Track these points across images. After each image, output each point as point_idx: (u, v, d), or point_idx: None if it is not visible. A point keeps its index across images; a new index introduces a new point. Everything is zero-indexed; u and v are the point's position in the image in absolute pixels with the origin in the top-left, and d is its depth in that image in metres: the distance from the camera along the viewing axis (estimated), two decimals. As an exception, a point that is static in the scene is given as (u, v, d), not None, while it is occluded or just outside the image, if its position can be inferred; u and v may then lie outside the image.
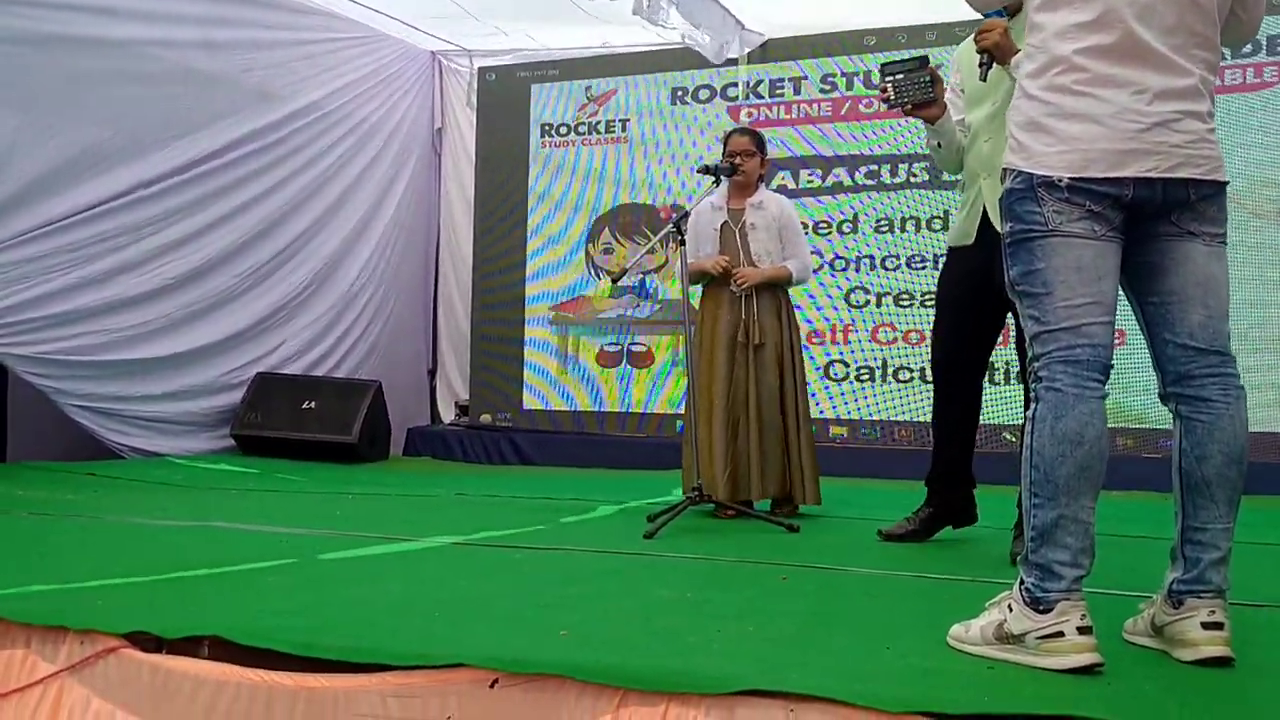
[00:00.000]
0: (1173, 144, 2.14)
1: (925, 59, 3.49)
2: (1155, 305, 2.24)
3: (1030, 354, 2.24)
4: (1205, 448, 2.18)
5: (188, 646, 2.25)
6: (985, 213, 3.58)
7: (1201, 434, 2.19)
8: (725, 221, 4.73)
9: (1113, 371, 2.21)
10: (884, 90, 3.48)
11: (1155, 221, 2.19)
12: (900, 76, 3.44)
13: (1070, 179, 2.14)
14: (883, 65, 3.53)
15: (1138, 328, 2.27)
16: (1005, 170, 2.25)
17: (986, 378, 4.00)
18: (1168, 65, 2.15)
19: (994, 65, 3.23)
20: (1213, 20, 2.21)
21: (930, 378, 3.97)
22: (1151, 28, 2.14)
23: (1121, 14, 2.14)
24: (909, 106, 3.49)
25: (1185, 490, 2.21)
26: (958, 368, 3.81)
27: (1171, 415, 2.27)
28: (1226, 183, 2.22)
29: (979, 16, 3.33)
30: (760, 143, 4.80)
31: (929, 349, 3.99)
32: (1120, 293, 2.24)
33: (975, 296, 3.65)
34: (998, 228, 3.39)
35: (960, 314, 3.76)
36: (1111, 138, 2.13)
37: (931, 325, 3.99)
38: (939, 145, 3.67)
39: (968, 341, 3.77)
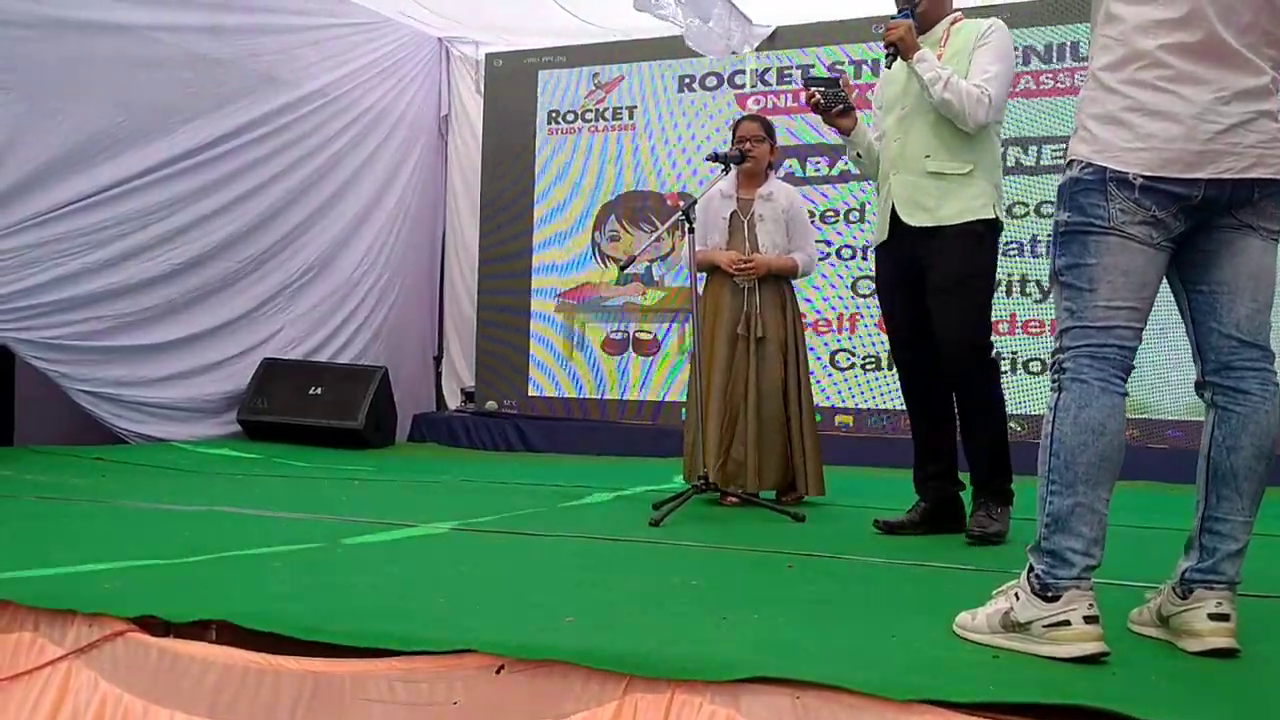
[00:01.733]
0: (1247, 144, 2.12)
1: (838, 80, 3.99)
2: (1204, 294, 2.23)
3: (1057, 345, 2.24)
4: (1238, 439, 2.18)
5: (195, 630, 2.26)
6: (895, 209, 3.73)
7: (1235, 425, 2.19)
8: (734, 211, 4.72)
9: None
10: (813, 96, 3.86)
11: (1215, 215, 2.18)
12: (823, 89, 3.87)
13: (1144, 178, 2.13)
14: (806, 79, 4.05)
15: (1152, 319, 2.26)
16: (1072, 160, 2.23)
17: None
18: (1244, 65, 2.13)
19: (898, 58, 3.66)
20: None
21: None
22: (1230, 26, 2.12)
23: (1206, 12, 2.11)
24: (838, 109, 3.85)
25: (1211, 480, 2.20)
26: (919, 369, 3.85)
27: (1205, 405, 2.27)
28: None
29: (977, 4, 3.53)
30: (769, 130, 4.79)
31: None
32: (1158, 275, 2.22)
33: (911, 295, 3.77)
34: (906, 221, 3.67)
35: (905, 315, 3.84)
36: (1190, 138, 2.11)
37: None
38: (859, 155, 3.96)
39: (922, 340, 3.80)
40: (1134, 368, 2.22)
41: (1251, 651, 2.14)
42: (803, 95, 3.95)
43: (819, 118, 3.96)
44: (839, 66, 7.32)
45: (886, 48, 3.66)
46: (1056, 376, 2.21)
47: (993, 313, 3.84)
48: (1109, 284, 2.16)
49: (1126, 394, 2.19)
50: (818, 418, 4.82)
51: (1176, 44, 2.12)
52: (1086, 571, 2.12)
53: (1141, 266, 2.16)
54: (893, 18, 3.69)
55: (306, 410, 7.15)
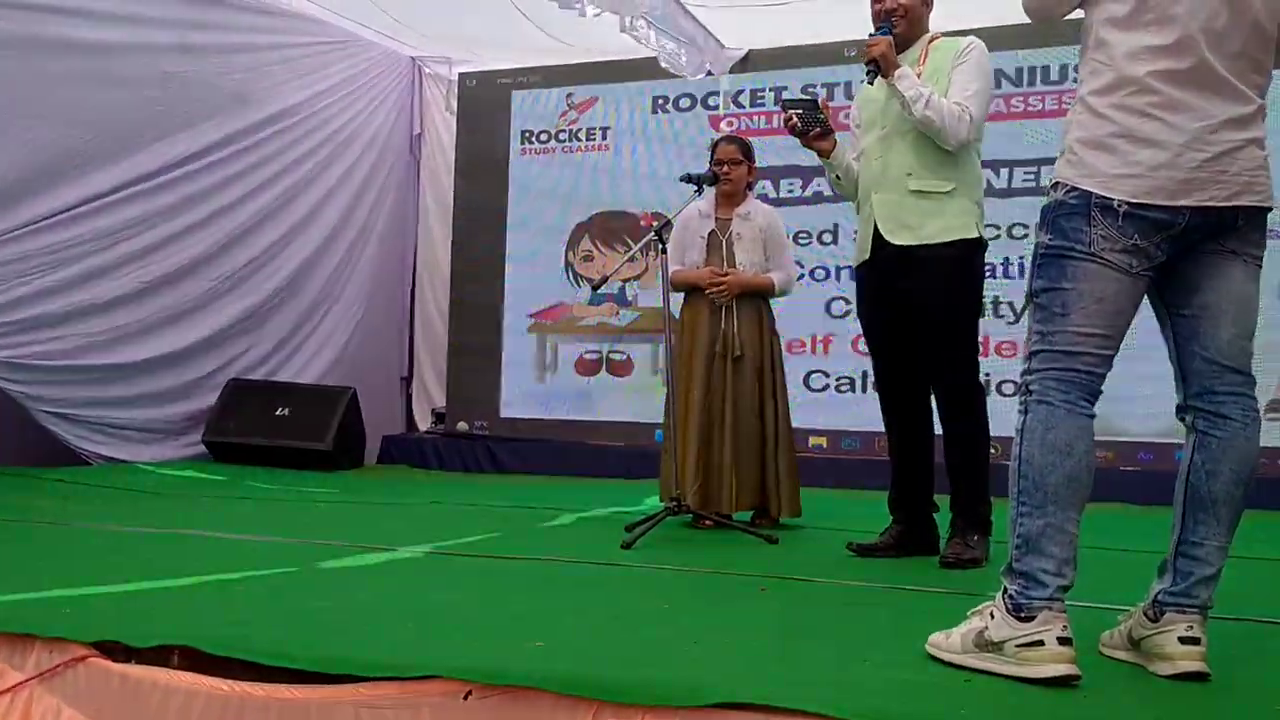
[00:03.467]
0: (1233, 172, 2.13)
1: (816, 101, 3.91)
2: (1187, 318, 2.24)
3: (1025, 366, 2.24)
4: (1217, 464, 2.19)
5: (157, 656, 2.23)
6: (877, 227, 3.73)
7: (1216, 450, 2.20)
8: (713, 230, 4.72)
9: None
10: (790, 119, 3.82)
11: (1199, 241, 2.19)
12: (801, 111, 3.83)
13: (1129, 205, 2.13)
14: (784, 101, 4.01)
15: (1126, 341, 2.27)
16: (1057, 183, 2.23)
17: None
18: (1232, 93, 2.14)
19: (878, 75, 3.64)
20: (1271, 47, 2.20)
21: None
22: (1220, 54, 2.13)
23: (1197, 40, 2.12)
24: (816, 131, 3.81)
25: (1189, 504, 2.21)
26: (900, 389, 3.85)
27: (1186, 429, 2.28)
28: (1272, 208, 2.22)
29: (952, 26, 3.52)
30: (747, 151, 4.80)
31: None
32: (1134, 304, 2.23)
33: (892, 314, 3.77)
34: (889, 239, 3.67)
35: (884, 334, 3.85)
36: (1176, 166, 2.12)
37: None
38: (838, 178, 3.95)
39: (903, 359, 3.81)
40: (1102, 392, 2.22)
41: (1222, 676, 2.14)
42: (781, 118, 3.95)
43: (794, 139, 3.94)
44: (810, 89, 7.35)
45: (867, 64, 3.66)
46: (1024, 398, 2.22)
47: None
48: (1082, 310, 2.16)
49: (1094, 415, 2.20)
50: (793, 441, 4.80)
51: (1166, 71, 2.13)
52: (1059, 592, 2.11)
53: (1116, 294, 2.16)
54: (871, 35, 3.68)
55: (273, 431, 7.07)
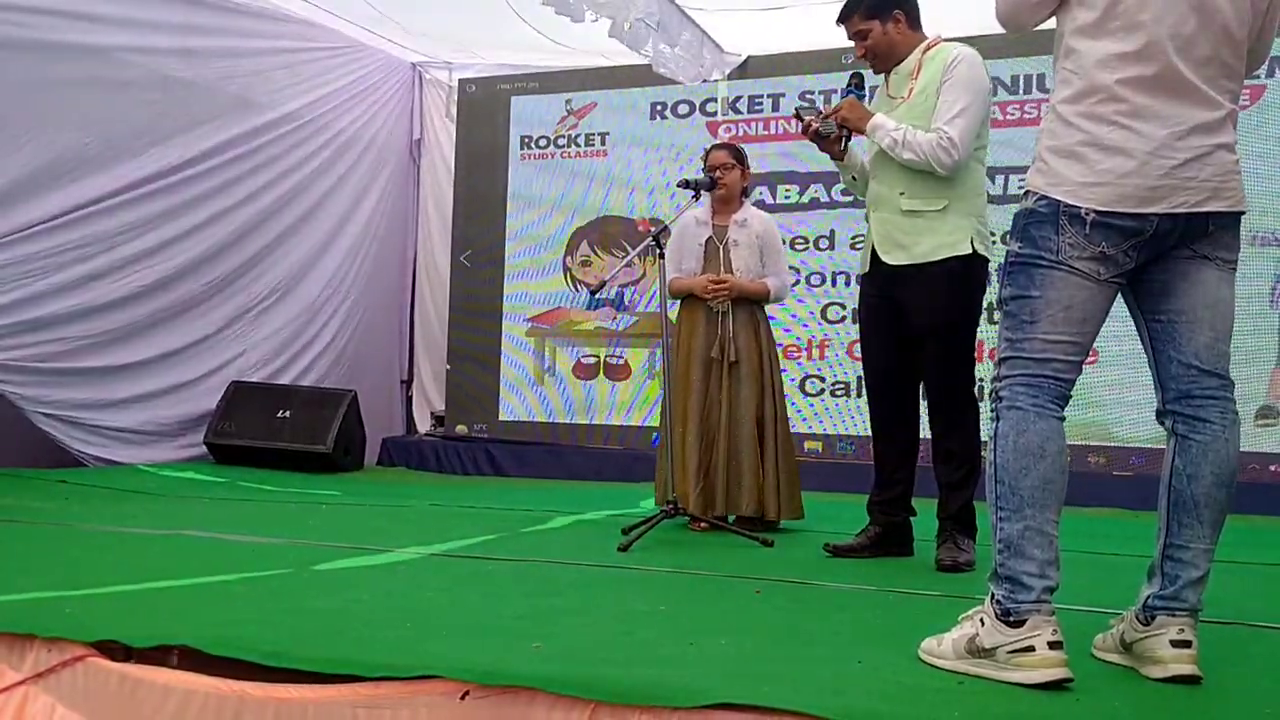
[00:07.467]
0: (1202, 178, 2.15)
1: (819, 110, 3.91)
2: (1163, 323, 2.26)
3: (995, 373, 2.27)
4: (1198, 467, 2.21)
5: (156, 656, 2.23)
6: (874, 247, 3.78)
7: (1196, 454, 2.21)
8: (710, 237, 4.75)
9: (1086, 390, 2.24)
10: (810, 126, 3.82)
11: (1170, 247, 2.21)
12: (817, 115, 3.84)
13: (1096, 214, 2.15)
14: (798, 109, 3.95)
15: (1116, 347, 2.30)
16: (1028, 191, 2.25)
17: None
18: (1202, 98, 2.16)
19: (853, 135, 3.78)
20: (1242, 52, 2.22)
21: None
22: (1188, 60, 2.15)
23: (1163, 46, 2.14)
24: (835, 135, 3.81)
25: (1172, 508, 2.23)
26: (888, 392, 3.89)
27: (1166, 433, 2.30)
28: (1244, 212, 2.24)
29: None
30: (739, 156, 4.82)
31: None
32: (1102, 310, 2.25)
33: (888, 323, 3.82)
34: (885, 260, 3.72)
35: (879, 340, 3.88)
36: (1144, 173, 2.13)
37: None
38: (854, 179, 3.99)
39: (892, 366, 3.85)
40: (1071, 396, 2.25)
41: (1213, 678, 2.16)
42: (797, 125, 3.92)
43: (791, 145, 3.97)
44: (809, 95, 7.37)
45: (839, 127, 3.74)
46: (994, 405, 2.25)
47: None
48: (1049, 318, 2.19)
49: (1063, 418, 2.22)
50: (793, 444, 4.81)
51: (1134, 78, 2.15)
52: (1046, 594, 2.13)
53: (1084, 301, 2.19)
54: (843, 97, 3.80)
55: (274, 433, 7.09)
